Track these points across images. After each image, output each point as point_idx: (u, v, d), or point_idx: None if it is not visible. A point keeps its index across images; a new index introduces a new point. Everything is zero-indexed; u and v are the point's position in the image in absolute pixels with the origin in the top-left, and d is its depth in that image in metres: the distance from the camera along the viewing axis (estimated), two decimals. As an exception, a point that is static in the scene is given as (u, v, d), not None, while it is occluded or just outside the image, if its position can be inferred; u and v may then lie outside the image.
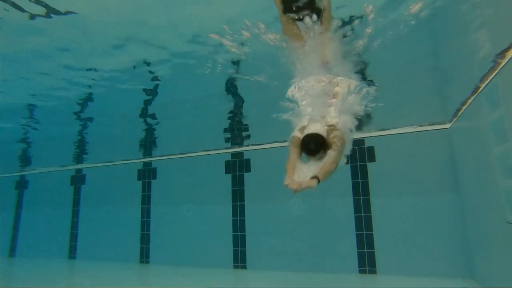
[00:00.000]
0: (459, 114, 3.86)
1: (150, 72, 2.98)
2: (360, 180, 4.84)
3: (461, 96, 3.36)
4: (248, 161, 5.61)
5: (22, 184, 7.83)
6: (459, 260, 4.08)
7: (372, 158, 4.86)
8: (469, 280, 3.91)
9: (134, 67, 2.87)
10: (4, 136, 5.10)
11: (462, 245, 4.08)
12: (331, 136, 2.55)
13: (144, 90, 3.43)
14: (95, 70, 2.88)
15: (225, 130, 4.96)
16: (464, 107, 3.59)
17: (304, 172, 2.48)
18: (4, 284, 4.88)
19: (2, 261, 7.05)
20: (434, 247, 4.25)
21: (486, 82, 2.79)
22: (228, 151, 5.76)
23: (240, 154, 5.71)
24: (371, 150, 4.89)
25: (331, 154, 2.47)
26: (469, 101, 3.35)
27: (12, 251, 7.50)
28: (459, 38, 2.34)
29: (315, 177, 2.33)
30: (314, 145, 2.46)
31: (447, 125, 4.43)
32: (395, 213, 4.55)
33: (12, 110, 4.02)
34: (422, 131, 4.62)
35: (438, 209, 4.33)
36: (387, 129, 4.77)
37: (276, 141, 5.21)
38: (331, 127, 2.63)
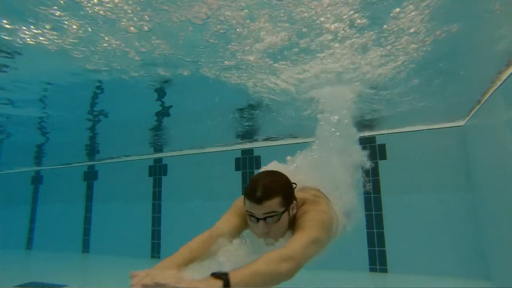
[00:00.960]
0: (474, 112, 3.79)
1: (164, 81, 3.03)
2: (371, 178, 4.80)
3: (476, 93, 3.30)
4: (258, 158, 5.63)
5: (37, 179, 8.03)
6: (472, 259, 4.02)
7: (383, 156, 4.82)
8: (483, 280, 3.85)
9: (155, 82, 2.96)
10: (21, 139, 5.28)
11: (475, 244, 4.02)
12: (308, 205, 1.51)
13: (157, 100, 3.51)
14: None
15: (237, 136, 5.03)
16: (479, 105, 3.53)
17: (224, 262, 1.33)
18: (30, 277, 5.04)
19: (20, 253, 7.27)
20: (447, 246, 4.19)
21: (503, 78, 2.73)
22: (238, 147, 5.78)
23: (250, 151, 5.73)
24: (382, 147, 4.84)
25: (294, 241, 1.31)
26: (485, 98, 3.28)
27: (29, 244, 7.71)
28: (474, 33, 2.30)
29: (223, 276, 1.06)
30: (264, 189, 1.35)
31: (461, 123, 4.36)
32: (407, 211, 4.50)
33: (27, 121, 4.20)
34: (435, 128, 4.55)
35: (451, 207, 4.26)
36: (399, 127, 4.72)
37: (287, 137, 5.20)
38: (311, 189, 1.68)
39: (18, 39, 2.19)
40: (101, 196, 7.10)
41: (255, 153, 5.67)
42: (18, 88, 3.10)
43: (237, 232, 1.54)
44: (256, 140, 5.48)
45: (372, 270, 4.56)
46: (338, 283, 4.12)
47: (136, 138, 5.42)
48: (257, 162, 5.63)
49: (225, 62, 2.60)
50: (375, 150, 4.85)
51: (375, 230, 4.64)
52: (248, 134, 5.12)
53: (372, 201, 4.72)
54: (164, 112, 3.98)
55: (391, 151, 4.78)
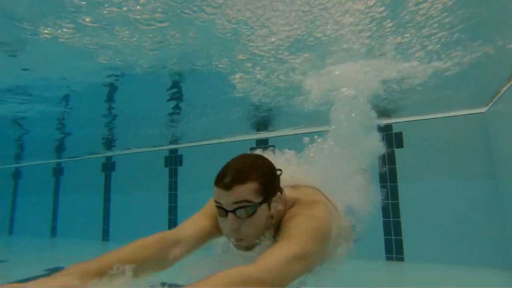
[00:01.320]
0: (497, 98, 3.65)
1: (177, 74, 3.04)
2: (387, 167, 4.74)
3: (499, 78, 3.17)
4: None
5: (58, 171, 8.30)
6: (494, 248, 3.93)
7: (400, 144, 4.73)
8: (505, 270, 3.77)
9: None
10: (43, 133, 5.47)
11: (498, 233, 3.93)
12: (299, 207, 1.17)
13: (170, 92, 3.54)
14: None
15: (253, 126, 5.03)
16: (502, 90, 3.39)
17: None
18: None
19: (46, 241, 7.62)
20: (467, 235, 4.12)
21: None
22: (253, 137, 5.78)
23: (265, 141, 5.72)
24: (399, 136, 4.75)
25: (270, 254, 0.96)
26: (510, 83, 3.15)
27: (53, 232, 8.05)
28: (499, 17, 2.19)
29: None
30: (236, 171, 1.07)
31: (483, 109, 4.21)
32: (425, 200, 4.43)
33: (49, 116, 4.34)
34: (455, 116, 4.42)
35: (471, 195, 4.17)
36: (417, 115, 4.61)
37: (302, 127, 5.15)
38: (306, 188, 1.34)
39: (38, 38, 2.24)
40: (119, 186, 7.29)
41: (270, 143, 5.66)
42: (40, 86, 3.19)
43: (205, 238, 1.22)
44: (271, 130, 5.47)
45: (388, 258, 4.55)
46: (355, 271, 4.12)
47: (152, 129, 5.50)
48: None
49: (238, 55, 2.59)
50: (391, 138, 4.77)
51: (391, 219, 4.60)
52: (263, 124, 5.12)
53: (389, 190, 4.67)
54: (179, 104, 4.01)
55: (408, 139, 4.69)
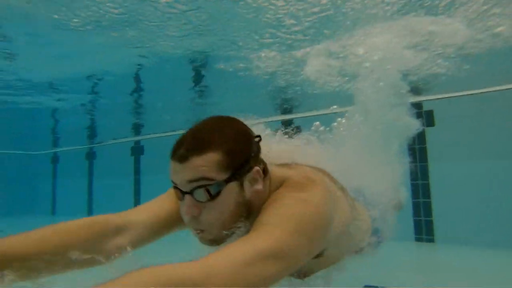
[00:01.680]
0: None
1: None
2: (416, 146, 4.58)
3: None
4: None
5: (91, 155, 8.73)
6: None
7: (430, 123, 4.54)
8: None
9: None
10: (75, 121, 5.75)
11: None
12: (287, 187, 0.87)
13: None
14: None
15: (278, 107, 5.00)
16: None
17: None
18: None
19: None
20: (501, 217, 3.95)
21: None
22: (278, 118, 5.75)
23: (290, 122, 5.68)
24: (429, 114, 4.55)
25: (228, 250, 0.66)
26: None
27: (89, 214, 8.58)
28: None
29: None
30: (193, 138, 0.83)
31: (526, 83, 3.93)
32: (457, 180, 4.27)
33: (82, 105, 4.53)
34: (492, 91, 4.15)
35: (506, 176, 3.96)
36: (450, 92, 4.38)
37: (327, 107, 5.05)
38: (305, 167, 1.02)
39: (70, 31, 2.30)
40: (148, 169, 7.56)
41: (296, 124, 5.61)
42: (74, 78, 3.32)
43: (164, 225, 0.95)
44: (296, 112, 5.41)
45: (417, 239, 4.47)
46: (385, 251, 4.11)
47: (177, 113, 5.62)
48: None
49: (264, 37, 2.54)
50: (421, 116, 4.58)
51: (421, 200, 4.49)
52: (288, 106, 5.08)
53: (418, 170, 4.53)
54: (204, 88, 4.05)
55: (440, 117, 4.48)
